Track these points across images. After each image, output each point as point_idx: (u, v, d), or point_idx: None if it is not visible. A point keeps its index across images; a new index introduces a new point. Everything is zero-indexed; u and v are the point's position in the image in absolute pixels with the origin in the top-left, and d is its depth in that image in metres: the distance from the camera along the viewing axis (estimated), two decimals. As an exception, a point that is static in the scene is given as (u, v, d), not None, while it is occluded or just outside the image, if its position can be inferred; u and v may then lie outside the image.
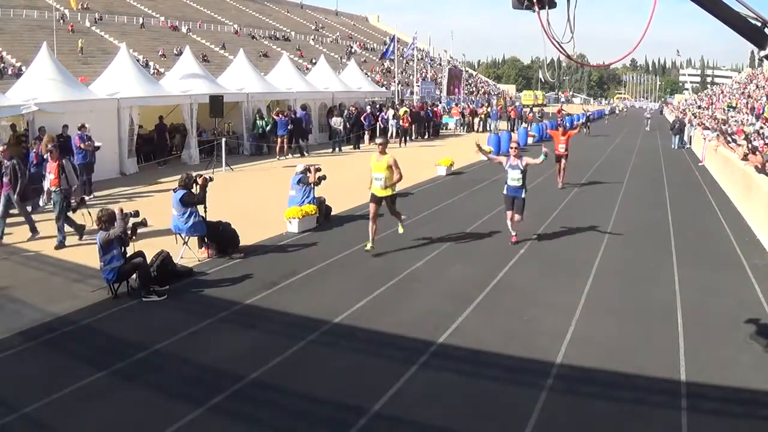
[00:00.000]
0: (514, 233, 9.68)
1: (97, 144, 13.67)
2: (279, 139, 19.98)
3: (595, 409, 4.80)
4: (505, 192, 9.53)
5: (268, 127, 20.15)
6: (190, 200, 8.36)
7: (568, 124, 35.18)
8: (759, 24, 4.37)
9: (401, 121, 25.61)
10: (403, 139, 25.34)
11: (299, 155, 20.23)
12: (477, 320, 6.54)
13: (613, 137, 33.51)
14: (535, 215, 11.35)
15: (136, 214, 7.42)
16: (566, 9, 4.44)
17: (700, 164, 21.66)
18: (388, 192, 8.77)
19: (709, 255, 9.40)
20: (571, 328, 6.32)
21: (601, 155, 24.10)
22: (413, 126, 27.73)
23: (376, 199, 8.81)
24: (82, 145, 12.90)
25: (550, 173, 16.17)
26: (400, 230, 9.34)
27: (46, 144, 11.88)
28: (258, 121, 20.47)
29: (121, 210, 7.18)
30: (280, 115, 19.93)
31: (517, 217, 9.48)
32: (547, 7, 4.40)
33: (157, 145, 18.26)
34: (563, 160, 15.27)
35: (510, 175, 9.38)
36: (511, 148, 9.56)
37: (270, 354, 5.60)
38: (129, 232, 7.23)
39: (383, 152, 8.82)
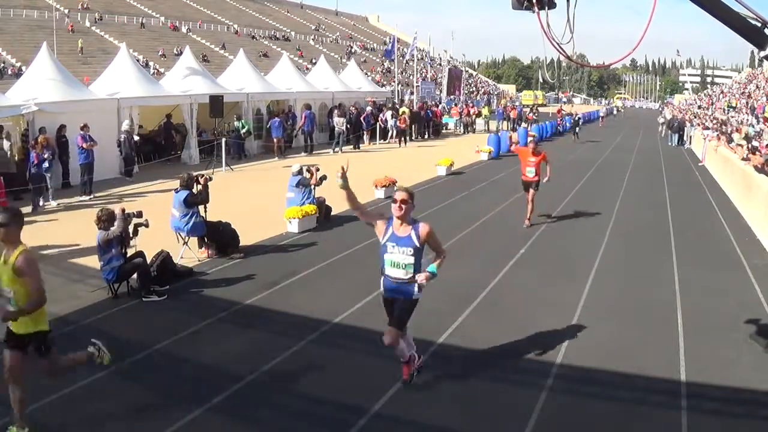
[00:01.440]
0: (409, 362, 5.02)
1: (136, 137, 15.35)
2: (276, 140, 20.07)
3: (595, 409, 4.81)
4: (382, 290, 4.88)
5: (244, 130, 19.68)
6: (194, 200, 8.37)
7: (568, 124, 35.23)
8: (759, 24, 4.38)
9: (399, 122, 25.61)
10: (401, 139, 25.34)
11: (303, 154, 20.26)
12: (477, 320, 6.54)
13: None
14: (535, 215, 11.33)
15: (140, 214, 7.37)
16: (566, 9, 4.45)
17: (700, 164, 21.67)
18: (27, 328, 4.10)
19: (709, 255, 9.40)
20: (571, 328, 6.32)
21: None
22: (414, 126, 27.74)
23: (12, 343, 4.15)
24: (84, 145, 12.97)
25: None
26: None
27: (41, 144, 11.95)
28: (236, 122, 19.77)
29: (123, 210, 7.15)
30: (276, 116, 19.96)
31: (390, 338, 4.70)
32: (546, 8, 4.42)
33: (166, 144, 18.48)
34: (531, 190, 10.95)
35: (390, 256, 4.69)
36: (396, 202, 4.64)
37: (270, 354, 5.60)
38: (131, 233, 7.22)
39: (7, 240, 4.05)
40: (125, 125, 15.23)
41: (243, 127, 19.66)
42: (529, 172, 10.94)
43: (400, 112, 26.49)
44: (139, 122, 17.02)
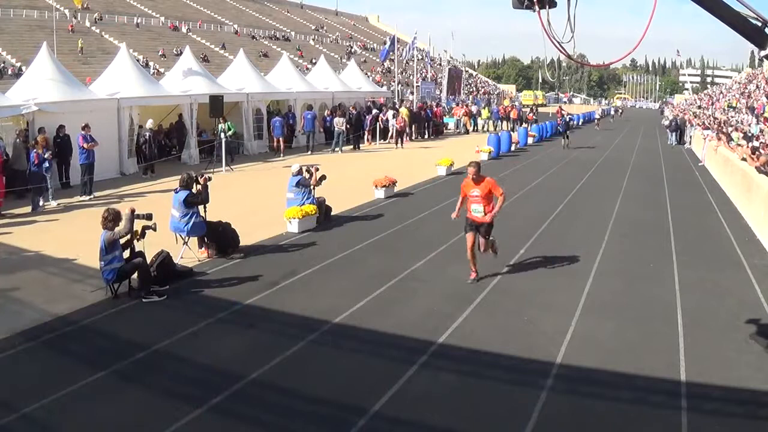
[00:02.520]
0: None
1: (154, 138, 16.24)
2: (276, 140, 20.12)
3: (595, 409, 4.80)
4: None
5: (230, 132, 18.90)
6: (195, 200, 8.35)
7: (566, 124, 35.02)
8: (759, 24, 4.37)
9: (397, 122, 25.52)
10: (399, 139, 25.24)
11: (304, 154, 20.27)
12: (477, 320, 6.53)
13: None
14: (533, 215, 11.35)
15: (149, 217, 7.30)
16: (566, 9, 4.46)
17: (700, 164, 21.67)
18: None
19: (709, 255, 9.40)
20: (571, 328, 6.32)
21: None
22: (413, 126, 27.70)
23: None
24: (85, 145, 12.96)
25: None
26: None
27: (41, 144, 11.97)
28: (220, 124, 18.38)
29: (133, 210, 7.11)
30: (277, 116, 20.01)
31: None
32: (547, 7, 4.42)
33: (177, 143, 18.82)
34: (479, 235, 7.73)
35: None
36: None
37: (270, 354, 5.60)
38: (138, 234, 7.18)
39: None
40: (149, 124, 16.22)
41: (229, 129, 19.27)
42: (476, 211, 7.65)
43: (400, 112, 26.47)
44: (139, 122, 17.00)
